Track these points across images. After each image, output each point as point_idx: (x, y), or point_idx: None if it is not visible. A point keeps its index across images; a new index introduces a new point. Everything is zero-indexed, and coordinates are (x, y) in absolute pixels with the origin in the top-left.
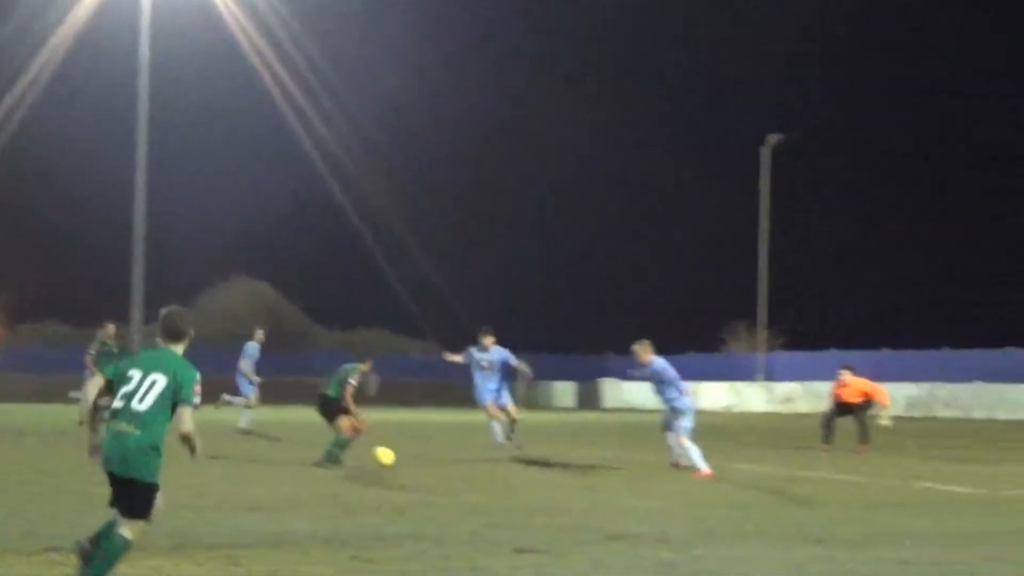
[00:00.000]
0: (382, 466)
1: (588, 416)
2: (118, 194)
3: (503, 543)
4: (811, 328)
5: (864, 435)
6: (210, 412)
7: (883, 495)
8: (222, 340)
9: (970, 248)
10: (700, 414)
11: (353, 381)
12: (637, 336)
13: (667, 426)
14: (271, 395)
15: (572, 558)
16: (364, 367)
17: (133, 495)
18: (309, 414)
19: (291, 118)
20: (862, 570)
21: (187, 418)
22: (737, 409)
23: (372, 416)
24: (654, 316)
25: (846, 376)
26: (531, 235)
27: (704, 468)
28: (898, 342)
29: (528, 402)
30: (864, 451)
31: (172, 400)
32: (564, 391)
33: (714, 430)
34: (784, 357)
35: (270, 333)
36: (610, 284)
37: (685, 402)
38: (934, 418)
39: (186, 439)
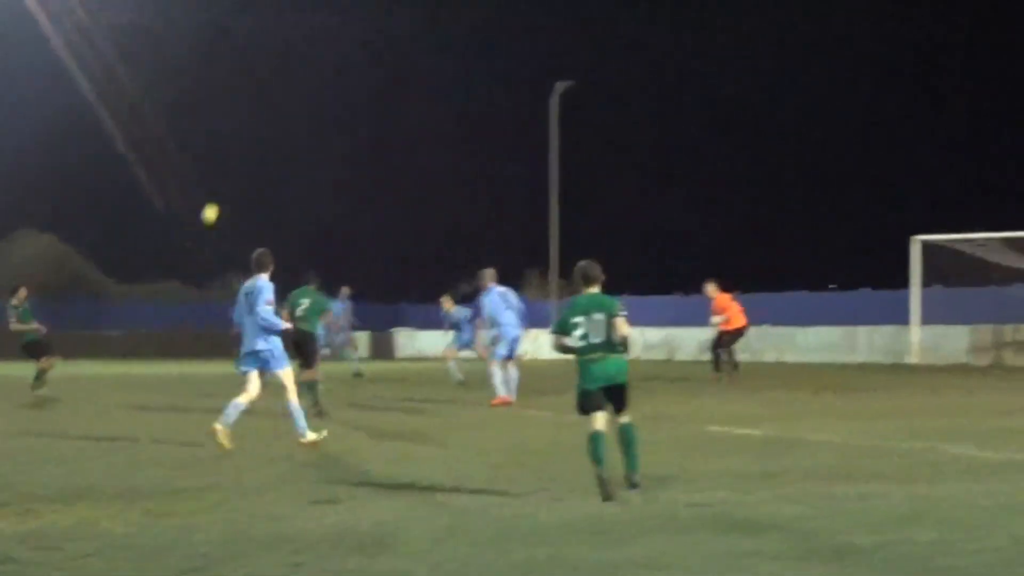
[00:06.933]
0: (209, 222)
1: (383, 366)
2: None
3: (301, 493)
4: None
5: (734, 365)
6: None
7: (676, 438)
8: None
9: (759, 194)
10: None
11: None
12: (432, 285)
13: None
14: (63, 350)
15: (372, 507)
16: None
17: (622, 396)
18: (101, 368)
19: (65, 55)
20: (655, 511)
21: (623, 325)
22: (530, 356)
23: (165, 369)
24: (447, 264)
25: (711, 290)
26: (323, 181)
27: (503, 395)
28: (689, 287)
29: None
30: (735, 380)
31: (610, 324)
32: (358, 340)
33: None
34: None
35: (61, 287)
36: (403, 233)
37: (507, 330)
38: None
39: (625, 340)
